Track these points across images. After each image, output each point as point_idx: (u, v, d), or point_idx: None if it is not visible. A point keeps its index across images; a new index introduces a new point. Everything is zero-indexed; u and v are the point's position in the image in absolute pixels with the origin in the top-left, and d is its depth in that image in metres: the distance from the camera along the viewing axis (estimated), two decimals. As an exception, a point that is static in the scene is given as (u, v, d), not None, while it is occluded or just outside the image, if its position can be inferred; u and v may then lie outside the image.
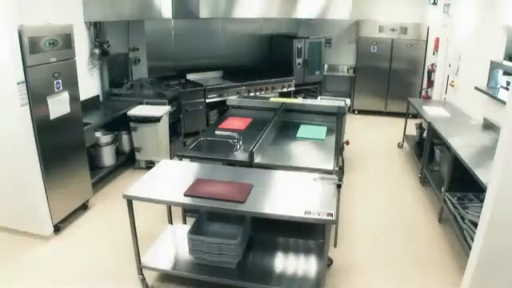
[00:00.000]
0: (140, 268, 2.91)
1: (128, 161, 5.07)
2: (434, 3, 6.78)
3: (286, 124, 4.26)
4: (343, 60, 8.09)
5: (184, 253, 2.97)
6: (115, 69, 5.51)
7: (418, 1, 7.33)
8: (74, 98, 3.77)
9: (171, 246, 3.17)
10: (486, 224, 2.17)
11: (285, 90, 6.83)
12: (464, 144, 3.76)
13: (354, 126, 6.92)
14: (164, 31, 6.23)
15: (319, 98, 5.31)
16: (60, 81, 3.54)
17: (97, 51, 5.06)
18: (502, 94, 4.24)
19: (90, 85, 5.02)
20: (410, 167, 5.33)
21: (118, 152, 4.93)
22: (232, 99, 5.00)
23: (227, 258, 2.79)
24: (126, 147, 5.06)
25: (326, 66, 7.89)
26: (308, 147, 3.65)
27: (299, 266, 2.93)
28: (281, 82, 6.77)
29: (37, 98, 3.31)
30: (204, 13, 5.57)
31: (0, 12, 2.97)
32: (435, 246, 3.58)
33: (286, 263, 2.96)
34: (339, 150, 3.77)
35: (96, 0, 4.81)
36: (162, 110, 4.93)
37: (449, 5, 6.01)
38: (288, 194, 2.68)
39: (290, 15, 6.71)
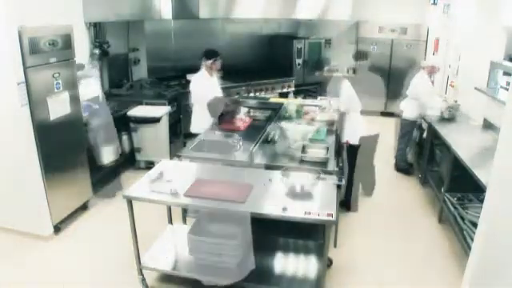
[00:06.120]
0: (140, 268, 2.91)
1: (128, 161, 5.07)
2: (434, 3, 6.77)
3: (285, 124, 4.26)
4: (343, 60, 8.07)
5: (184, 253, 2.96)
6: (115, 69, 5.51)
7: (418, 1, 7.32)
8: (74, 98, 3.77)
9: (171, 247, 3.17)
10: (486, 224, 2.17)
11: (285, 90, 6.82)
12: (464, 144, 3.76)
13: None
14: (164, 31, 6.22)
15: (319, 98, 5.30)
16: (60, 81, 3.55)
17: (97, 51, 5.05)
18: (501, 95, 4.23)
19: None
20: (409, 167, 5.33)
21: (118, 152, 4.92)
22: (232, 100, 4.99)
23: (227, 259, 2.78)
24: (126, 147, 5.05)
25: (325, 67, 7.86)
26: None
27: (299, 267, 2.93)
28: (281, 82, 6.76)
29: (37, 98, 3.31)
30: (204, 13, 5.56)
31: (0, 12, 2.98)
32: (435, 246, 3.58)
33: (285, 263, 2.96)
34: (339, 150, 3.76)
35: (96, 0, 4.81)
36: (161, 111, 4.93)
37: (449, 5, 6.00)
38: (288, 194, 2.67)
39: (290, 16, 6.70)
